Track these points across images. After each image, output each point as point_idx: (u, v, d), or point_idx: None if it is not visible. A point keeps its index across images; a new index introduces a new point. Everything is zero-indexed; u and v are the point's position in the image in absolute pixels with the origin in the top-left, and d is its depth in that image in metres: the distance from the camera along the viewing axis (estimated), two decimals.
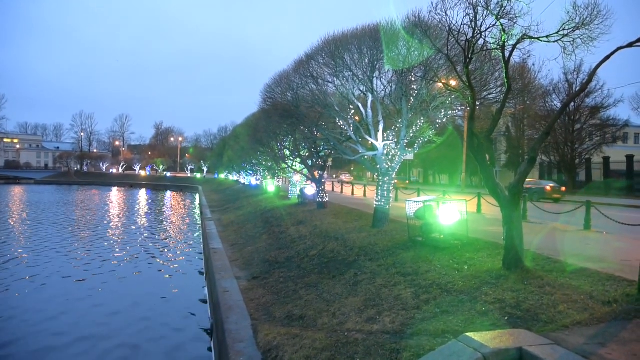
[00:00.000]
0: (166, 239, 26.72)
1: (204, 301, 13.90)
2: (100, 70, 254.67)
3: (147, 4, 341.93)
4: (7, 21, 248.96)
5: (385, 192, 14.76)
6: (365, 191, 31.33)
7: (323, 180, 23.33)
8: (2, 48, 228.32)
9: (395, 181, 74.78)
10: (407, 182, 69.08)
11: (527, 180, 56.01)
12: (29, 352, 10.11)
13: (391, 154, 14.88)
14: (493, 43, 7.76)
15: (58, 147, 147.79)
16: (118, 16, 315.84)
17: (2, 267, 17.86)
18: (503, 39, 7.44)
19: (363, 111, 15.46)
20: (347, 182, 47.53)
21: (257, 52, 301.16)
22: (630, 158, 38.55)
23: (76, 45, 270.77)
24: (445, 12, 7.90)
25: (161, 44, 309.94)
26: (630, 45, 6.74)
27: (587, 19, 7.10)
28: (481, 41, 7.94)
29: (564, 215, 15.19)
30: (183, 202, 58.17)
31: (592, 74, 7.80)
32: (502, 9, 7.33)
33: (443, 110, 13.84)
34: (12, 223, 32.36)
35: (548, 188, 30.48)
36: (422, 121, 14.16)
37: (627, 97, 67.23)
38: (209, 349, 10.31)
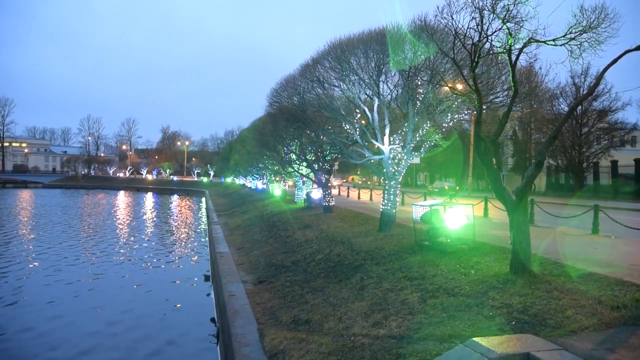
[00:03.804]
0: (172, 243, 26.81)
1: (210, 305, 13.92)
2: (108, 74, 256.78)
3: (157, 9, 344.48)
4: (15, 25, 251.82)
5: (392, 196, 14.74)
6: (371, 195, 31.30)
7: (329, 184, 23.34)
8: (11, 52, 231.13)
9: (358, 179, 73.92)
10: (370, 182, 70.03)
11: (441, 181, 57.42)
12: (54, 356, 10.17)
13: (397, 157, 14.85)
14: (499, 47, 7.74)
15: (66, 151, 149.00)
16: (127, 20, 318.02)
17: (9, 270, 17.99)
18: (509, 42, 7.41)
19: (369, 115, 15.45)
20: (337, 186, 47.32)
21: (266, 56, 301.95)
22: (638, 162, 38.22)
23: (84, 49, 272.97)
24: (451, 16, 7.89)
25: (170, 48, 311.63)
26: (638, 48, 6.70)
27: (594, 22, 7.06)
28: (487, 45, 7.92)
29: (571, 219, 15.08)
30: (189, 206, 58.34)
31: (600, 77, 7.76)
32: (509, 12, 7.31)
33: (449, 114, 13.80)
34: (21, 227, 32.58)
35: (446, 187, 45.22)
36: (429, 125, 14.13)
37: (635, 100, 66.67)
38: (215, 353, 10.31)
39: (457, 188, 46.83)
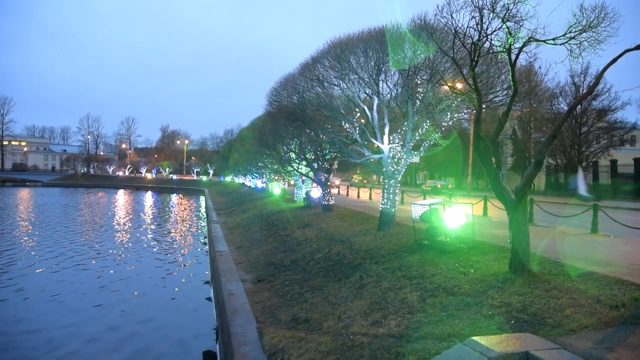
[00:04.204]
0: (172, 242, 26.80)
1: (210, 303, 13.92)
2: (107, 73, 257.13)
3: (157, 9, 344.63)
4: (15, 25, 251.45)
5: (391, 195, 14.74)
6: (371, 194, 31.30)
7: (329, 183, 23.35)
8: (11, 52, 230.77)
9: (354, 178, 75.91)
10: (366, 180, 71.38)
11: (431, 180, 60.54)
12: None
13: (397, 156, 14.85)
14: (499, 46, 7.74)
15: (65, 150, 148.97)
16: (127, 20, 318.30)
17: (9, 270, 17.98)
18: (509, 41, 7.41)
19: (369, 114, 15.45)
20: (337, 186, 47.65)
21: (266, 56, 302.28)
22: (638, 161, 38.25)
23: (84, 49, 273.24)
24: (451, 15, 7.88)
25: (170, 48, 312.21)
26: (638, 47, 6.69)
27: (594, 21, 7.05)
28: (487, 44, 7.91)
29: (571, 218, 15.09)
30: (189, 205, 58.33)
31: (599, 76, 7.76)
32: (508, 11, 7.30)
33: (449, 113, 13.80)
34: (21, 226, 32.54)
35: (438, 186, 48.31)
36: (428, 124, 14.13)
37: (635, 100, 66.59)
38: (214, 352, 10.32)
39: (450, 186, 50.36)
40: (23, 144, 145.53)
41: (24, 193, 75.72)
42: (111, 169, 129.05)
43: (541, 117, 42.77)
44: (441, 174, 69.83)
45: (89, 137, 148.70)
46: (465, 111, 14.33)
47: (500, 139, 10.57)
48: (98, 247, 23.74)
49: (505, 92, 11.91)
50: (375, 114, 15.28)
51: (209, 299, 14.52)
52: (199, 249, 24.10)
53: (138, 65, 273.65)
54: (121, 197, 71.92)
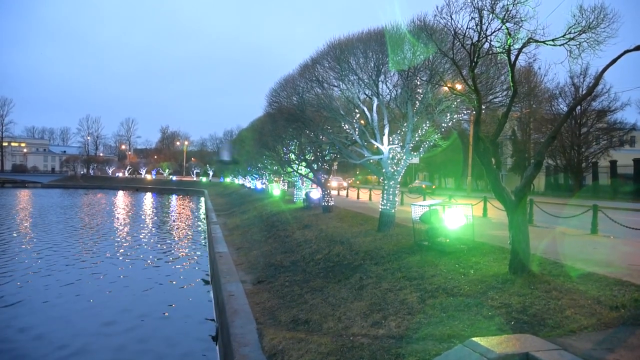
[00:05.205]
0: (172, 243, 26.79)
1: (210, 305, 13.91)
2: (107, 73, 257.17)
3: (157, 9, 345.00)
4: (15, 25, 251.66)
5: (391, 196, 14.73)
6: (370, 195, 31.30)
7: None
8: (11, 52, 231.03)
9: (349, 181, 76.70)
10: (358, 182, 72.35)
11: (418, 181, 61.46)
12: None
13: (397, 157, 14.85)
14: (499, 47, 7.74)
15: (65, 151, 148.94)
16: (127, 20, 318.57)
17: (8, 270, 17.96)
18: (509, 42, 7.41)
19: (368, 115, 15.45)
20: (341, 187, 47.71)
21: (266, 56, 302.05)
22: (637, 162, 38.26)
23: (85, 48, 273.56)
24: (451, 16, 7.87)
25: (171, 48, 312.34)
26: (638, 48, 6.69)
27: (594, 22, 7.05)
28: (487, 45, 7.91)
29: (571, 219, 15.09)
30: (189, 206, 58.31)
31: (599, 77, 7.77)
32: (508, 12, 7.30)
33: (449, 114, 13.80)
34: (21, 227, 32.52)
35: (423, 186, 49.74)
36: (428, 125, 14.13)
37: (634, 100, 66.47)
38: (214, 353, 10.31)
39: (434, 187, 53.88)
40: (23, 145, 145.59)
41: (24, 194, 75.68)
42: (111, 170, 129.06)
43: (541, 118, 42.76)
44: (441, 174, 69.88)
45: (88, 138, 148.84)
46: (465, 112, 14.34)
47: (499, 139, 10.56)
48: (97, 248, 23.73)
49: (505, 93, 11.91)
50: (374, 115, 15.29)
51: (208, 299, 14.51)
52: (198, 250, 24.09)
53: (138, 65, 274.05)
54: (121, 198, 71.90)
